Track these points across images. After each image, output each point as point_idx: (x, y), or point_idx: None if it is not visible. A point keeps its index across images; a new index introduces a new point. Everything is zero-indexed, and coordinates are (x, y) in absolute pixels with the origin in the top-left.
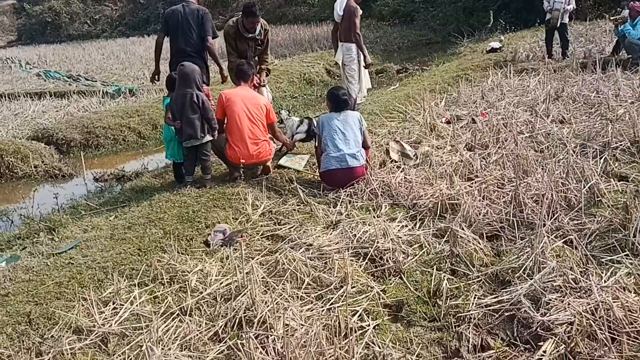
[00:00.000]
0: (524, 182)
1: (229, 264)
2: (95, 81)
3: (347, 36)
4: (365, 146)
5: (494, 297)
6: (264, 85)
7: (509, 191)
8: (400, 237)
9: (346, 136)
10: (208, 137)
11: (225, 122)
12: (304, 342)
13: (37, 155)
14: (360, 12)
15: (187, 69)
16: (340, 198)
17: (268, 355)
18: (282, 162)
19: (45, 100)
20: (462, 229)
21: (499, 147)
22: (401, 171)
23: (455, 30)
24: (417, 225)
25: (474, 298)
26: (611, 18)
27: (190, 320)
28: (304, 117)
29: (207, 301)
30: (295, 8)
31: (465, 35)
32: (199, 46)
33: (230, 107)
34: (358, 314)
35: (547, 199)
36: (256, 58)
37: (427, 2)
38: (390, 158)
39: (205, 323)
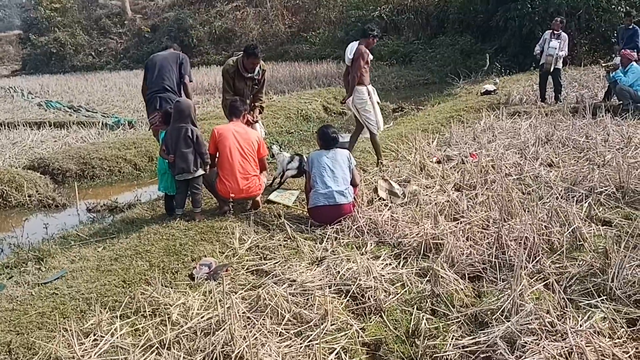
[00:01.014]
0: (508, 224)
1: (211, 297)
2: (96, 112)
3: (358, 79)
4: (353, 184)
5: (472, 339)
6: (256, 122)
7: (493, 232)
8: (383, 275)
9: (335, 173)
10: (200, 172)
11: (217, 156)
12: None
13: (32, 184)
14: (370, 57)
15: (183, 105)
16: (327, 234)
17: None
18: (272, 197)
19: (44, 130)
20: (444, 269)
21: (486, 188)
22: (388, 209)
23: (452, 72)
24: (401, 264)
25: (452, 339)
26: (603, 64)
27: (168, 354)
28: (294, 154)
29: (187, 335)
30: (296, 46)
31: (462, 77)
32: (176, 84)
33: (222, 142)
34: (336, 352)
35: (529, 241)
36: (251, 96)
37: (425, 44)
38: (378, 196)
39: (183, 357)
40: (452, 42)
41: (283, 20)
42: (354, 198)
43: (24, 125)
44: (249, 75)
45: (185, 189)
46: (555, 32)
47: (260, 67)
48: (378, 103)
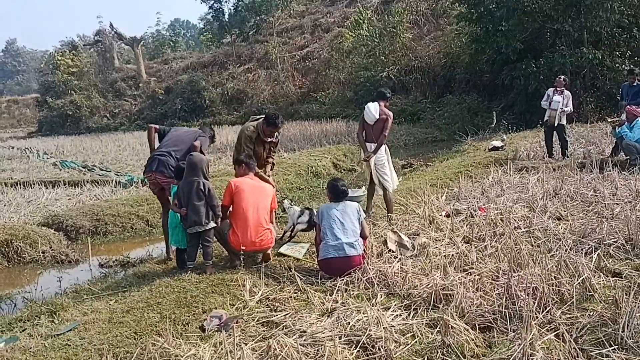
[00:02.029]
0: (518, 274)
1: (222, 349)
2: (110, 171)
3: (378, 137)
4: (363, 236)
5: None
6: (269, 176)
7: (503, 283)
8: (394, 326)
9: (344, 226)
10: (211, 224)
11: (231, 208)
12: None
13: (46, 240)
14: (392, 117)
15: (196, 159)
16: (337, 286)
17: None
18: (282, 250)
19: (59, 189)
20: (455, 319)
21: (495, 241)
22: (398, 261)
23: (460, 129)
24: (411, 315)
25: None
26: (609, 120)
27: None
28: (304, 208)
29: None
30: (307, 106)
31: (470, 134)
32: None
33: (239, 195)
34: None
35: (539, 292)
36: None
37: (433, 103)
38: (388, 248)
39: None
40: (459, 101)
41: (293, 81)
42: (364, 250)
43: (39, 184)
44: (269, 140)
45: (197, 242)
46: (559, 89)
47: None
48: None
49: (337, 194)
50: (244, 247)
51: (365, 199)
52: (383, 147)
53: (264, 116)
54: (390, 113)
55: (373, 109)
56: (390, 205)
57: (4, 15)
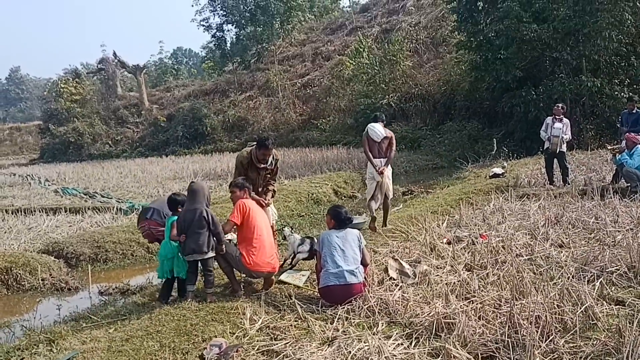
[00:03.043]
0: (520, 303)
1: None
2: (111, 198)
3: (386, 153)
4: (364, 263)
5: None
6: (269, 205)
7: (505, 312)
8: (395, 355)
9: (345, 253)
10: (211, 254)
11: (238, 230)
12: None
13: (46, 268)
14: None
15: (197, 186)
16: (337, 314)
17: None
18: (283, 277)
19: (60, 216)
20: (457, 348)
21: (497, 269)
22: (399, 289)
23: (460, 156)
24: (413, 344)
25: None
26: (609, 148)
27: None
28: (305, 237)
29: None
30: (307, 133)
31: (470, 161)
32: None
33: (253, 216)
34: None
35: (541, 320)
36: (263, 183)
37: (433, 130)
38: (389, 276)
39: None
40: (460, 128)
41: (294, 109)
42: (365, 278)
43: (40, 211)
44: (262, 165)
45: (196, 268)
46: (557, 117)
47: (273, 156)
48: None
49: (340, 220)
50: (262, 269)
51: (365, 225)
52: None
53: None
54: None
55: (379, 130)
56: (388, 213)
57: (8, 43)
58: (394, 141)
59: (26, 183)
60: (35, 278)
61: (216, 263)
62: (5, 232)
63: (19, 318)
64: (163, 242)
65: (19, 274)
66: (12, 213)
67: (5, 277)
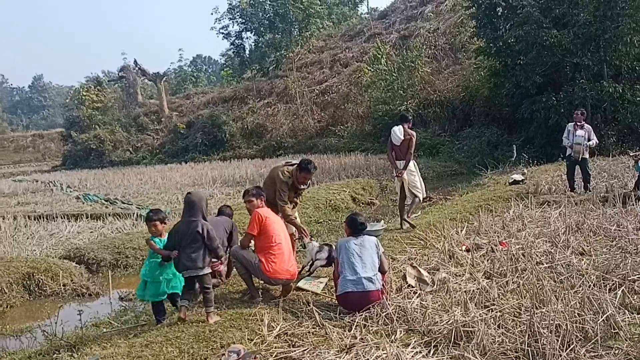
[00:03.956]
0: (540, 311)
1: None
2: (131, 204)
3: (405, 155)
4: (382, 270)
5: None
6: (295, 218)
7: (525, 320)
8: None
9: (363, 260)
10: (207, 270)
11: (256, 239)
12: None
13: (67, 274)
14: (415, 137)
15: (195, 197)
16: (355, 322)
17: None
18: (301, 284)
19: (81, 222)
20: (476, 357)
21: (517, 276)
22: (417, 297)
23: (479, 163)
24: (431, 352)
25: None
26: (631, 154)
27: None
28: (323, 244)
29: None
30: (325, 139)
31: (489, 168)
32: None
33: (269, 225)
34: None
35: (562, 329)
36: None
37: (452, 136)
38: (407, 283)
39: None
40: (479, 134)
41: (312, 115)
42: (383, 285)
43: (62, 217)
44: (302, 187)
45: (193, 284)
46: (579, 123)
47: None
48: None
49: (355, 227)
50: (280, 276)
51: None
52: (412, 163)
53: (297, 163)
54: (414, 133)
55: (398, 132)
56: (413, 208)
57: (31, 52)
58: (413, 143)
59: (48, 189)
60: (57, 283)
61: (235, 270)
62: (28, 238)
63: (41, 323)
64: (146, 261)
65: (41, 279)
66: (35, 219)
67: (28, 282)
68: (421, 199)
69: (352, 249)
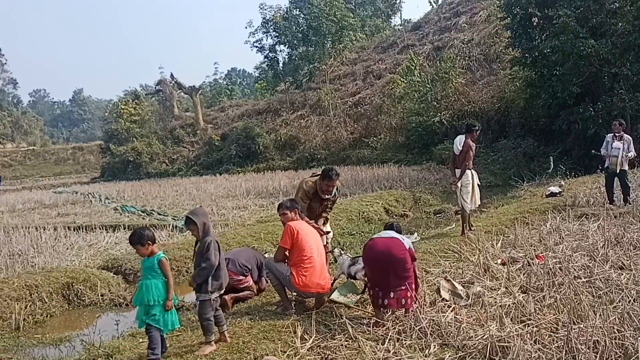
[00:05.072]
0: (578, 327)
1: None
2: (167, 216)
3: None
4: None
5: None
6: (327, 233)
7: (562, 336)
8: None
9: None
10: (203, 296)
11: (289, 252)
12: None
13: (105, 284)
14: (474, 147)
15: (203, 210)
16: (388, 335)
17: None
18: (334, 297)
19: (119, 233)
20: None
21: (554, 291)
22: (451, 310)
23: (515, 174)
24: None
25: None
26: None
27: None
28: (356, 256)
29: None
30: (358, 151)
31: (525, 179)
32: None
33: (301, 238)
34: None
35: (600, 345)
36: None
37: (487, 147)
38: (441, 297)
39: None
40: (515, 146)
41: (345, 127)
42: (415, 297)
43: (100, 228)
44: (326, 196)
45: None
46: (617, 134)
47: (337, 188)
48: (478, 185)
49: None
50: (311, 290)
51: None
52: (469, 173)
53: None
54: (473, 144)
55: (458, 142)
56: (465, 221)
57: (72, 67)
58: (470, 155)
59: (87, 201)
60: (95, 293)
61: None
62: (67, 249)
63: (79, 332)
64: (152, 283)
65: (80, 289)
66: (74, 230)
67: (67, 292)
68: (467, 209)
69: None
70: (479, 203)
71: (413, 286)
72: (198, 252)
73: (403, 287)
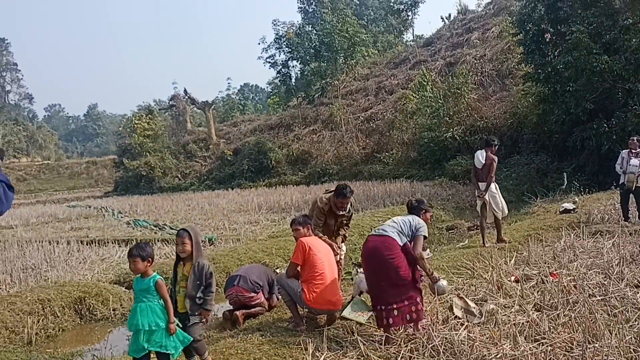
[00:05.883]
0: (593, 346)
1: None
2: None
3: (487, 178)
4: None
5: None
6: (340, 249)
7: (577, 355)
8: None
9: None
10: (195, 318)
11: (301, 268)
12: None
13: (117, 298)
14: (496, 161)
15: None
16: (400, 353)
17: None
18: (345, 313)
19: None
20: None
21: (568, 309)
22: (464, 328)
23: (528, 190)
24: None
25: None
26: None
27: None
28: None
29: None
30: (370, 166)
31: (539, 196)
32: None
33: (316, 255)
34: None
35: None
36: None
37: (500, 163)
38: (454, 314)
39: None
40: (527, 162)
41: (357, 142)
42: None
43: (112, 242)
44: (340, 213)
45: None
46: (633, 150)
47: (351, 204)
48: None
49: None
50: (319, 306)
51: (430, 261)
52: (493, 185)
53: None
54: (495, 157)
55: (480, 156)
56: (499, 228)
57: (86, 82)
58: (494, 167)
59: (100, 215)
60: (107, 308)
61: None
62: (80, 263)
63: (91, 347)
64: (147, 306)
65: (92, 303)
66: (87, 244)
67: (79, 306)
68: (500, 217)
69: None
70: (507, 212)
71: (418, 299)
72: (197, 273)
73: (406, 303)
